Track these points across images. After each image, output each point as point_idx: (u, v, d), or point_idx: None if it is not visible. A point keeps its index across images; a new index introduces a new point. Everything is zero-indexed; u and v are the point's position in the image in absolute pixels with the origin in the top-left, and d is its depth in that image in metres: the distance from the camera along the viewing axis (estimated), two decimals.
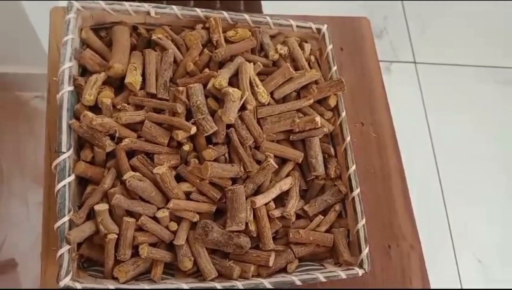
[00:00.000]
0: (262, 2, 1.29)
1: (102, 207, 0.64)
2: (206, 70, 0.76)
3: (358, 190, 0.74)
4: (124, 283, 0.64)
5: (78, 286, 0.60)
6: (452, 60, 2.03)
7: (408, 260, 0.85)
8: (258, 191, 0.73)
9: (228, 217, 0.67)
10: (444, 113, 1.91)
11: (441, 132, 1.87)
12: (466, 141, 1.88)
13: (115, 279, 0.65)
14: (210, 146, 0.70)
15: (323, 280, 0.68)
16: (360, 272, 0.69)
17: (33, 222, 1.38)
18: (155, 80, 0.73)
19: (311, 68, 0.83)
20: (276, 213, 0.71)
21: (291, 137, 0.77)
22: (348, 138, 0.77)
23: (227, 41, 0.80)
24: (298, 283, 0.67)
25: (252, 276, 0.68)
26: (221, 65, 0.78)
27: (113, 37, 0.76)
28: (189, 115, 0.71)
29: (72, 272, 0.62)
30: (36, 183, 1.45)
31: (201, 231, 0.66)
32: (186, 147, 0.70)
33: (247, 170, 0.71)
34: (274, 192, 0.72)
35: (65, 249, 0.61)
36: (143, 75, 0.73)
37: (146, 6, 0.78)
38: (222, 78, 0.72)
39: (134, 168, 0.68)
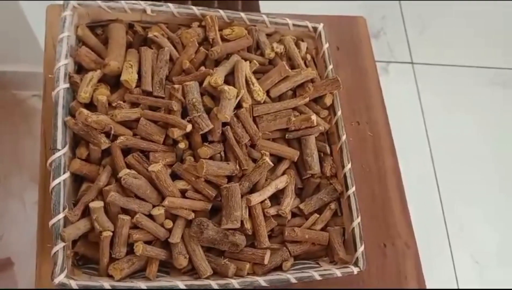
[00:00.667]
0: (260, 2, 1.29)
1: (97, 204, 0.64)
2: (202, 68, 0.76)
3: (354, 188, 0.74)
4: (119, 280, 0.64)
5: (73, 283, 0.60)
6: (449, 60, 2.04)
7: (403, 259, 0.85)
8: (253, 189, 0.73)
9: (223, 215, 0.67)
10: (441, 113, 1.91)
11: (438, 133, 1.88)
12: (463, 141, 1.88)
13: (110, 276, 0.65)
14: (206, 144, 0.70)
15: (318, 278, 0.68)
16: (355, 270, 0.69)
17: (30, 221, 1.38)
18: (151, 77, 0.73)
19: (307, 66, 0.83)
20: (272, 211, 0.72)
21: (287, 135, 0.77)
22: (344, 137, 0.77)
23: (223, 39, 0.80)
24: (293, 281, 0.67)
25: (247, 274, 0.68)
26: (217, 63, 0.78)
27: (109, 35, 0.76)
28: (184, 113, 0.71)
29: (67, 269, 0.61)
30: (33, 182, 1.45)
31: (196, 229, 0.66)
32: (182, 145, 0.70)
33: (242, 168, 0.71)
34: (269, 190, 0.72)
35: (59, 246, 0.61)
36: (139, 72, 0.73)
37: (142, 4, 0.78)
38: (218, 76, 0.72)
39: (129, 166, 0.68)
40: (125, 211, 0.67)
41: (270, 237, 0.72)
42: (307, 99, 0.79)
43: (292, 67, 0.82)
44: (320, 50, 0.85)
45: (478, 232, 1.74)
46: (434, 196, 1.78)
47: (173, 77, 0.75)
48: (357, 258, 0.70)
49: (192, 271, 0.68)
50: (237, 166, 0.71)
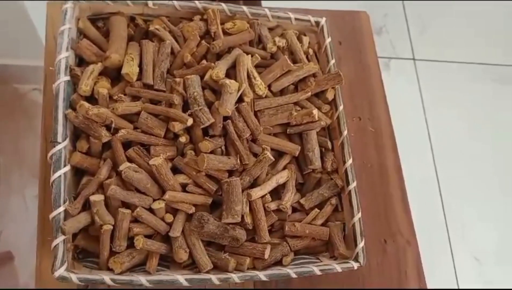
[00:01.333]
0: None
1: (98, 198, 0.64)
2: (204, 61, 0.75)
3: (355, 184, 0.74)
4: (119, 274, 0.64)
5: (73, 276, 0.60)
6: (451, 57, 2.03)
7: (404, 255, 0.85)
8: (254, 184, 0.72)
9: (224, 209, 0.67)
10: (443, 110, 1.90)
11: (439, 129, 1.87)
12: (464, 138, 1.88)
13: (110, 270, 0.65)
14: (207, 138, 0.70)
15: (318, 273, 0.67)
16: (356, 265, 0.69)
17: (30, 216, 1.38)
18: (152, 71, 0.73)
19: (309, 61, 0.83)
20: (272, 206, 0.71)
21: (288, 130, 0.77)
22: (345, 132, 0.77)
23: (225, 33, 0.80)
24: (294, 276, 0.67)
25: (248, 268, 0.68)
26: (218, 56, 0.78)
27: (110, 28, 0.76)
28: (186, 107, 0.71)
29: (67, 262, 0.61)
30: (34, 177, 1.44)
31: (196, 223, 0.66)
32: (183, 139, 0.70)
33: (243, 163, 0.71)
34: (270, 185, 0.72)
35: (60, 239, 0.61)
36: (140, 66, 0.72)
37: None
38: (219, 70, 0.71)
39: (130, 159, 0.67)
40: (125, 204, 0.67)
41: (270, 231, 0.72)
42: (309, 94, 0.78)
43: (294, 61, 0.81)
44: (322, 45, 0.85)
45: (479, 229, 1.74)
46: (435, 193, 1.77)
47: (174, 70, 0.75)
48: (357, 253, 0.70)
49: (192, 265, 0.68)
50: (238, 161, 0.71)
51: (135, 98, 0.71)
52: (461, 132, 1.88)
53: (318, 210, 0.75)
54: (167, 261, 0.69)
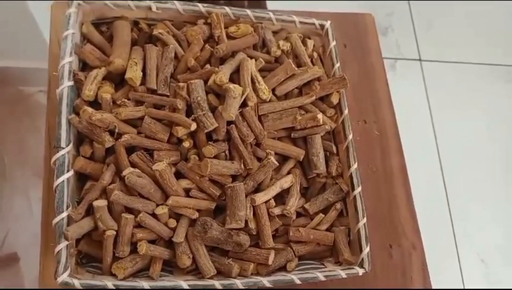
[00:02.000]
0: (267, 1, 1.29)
1: (101, 203, 0.63)
2: (207, 66, 0.75)
3: (360, 188, 0.73)
4: (122, 279, 0.64)
5: (76, 282, 0.60)
6: (457, 58, 2.01)
7: (409, 260, 0.84)
8: (258, 189, 0.72)
9: (227, 214, 0.67)
10: (449, 111, 1.89)
11: (446, 130, 1.86)
12: (471, 139, 1.86)
13: (114, 275, 0.64)
14: (210, 142, 0.70)
15: (323, 279, 0.67)
16: (361, 271, 0.69)
17: (35, 216, 1.39)
18: (155, 75, 0.72)
19: (313, 64, 0.82)
20: (276, 211, 0.71)
21: (292, 134, 0.76)
22: (350, 136, 0.76)
23: (229, 36, 0.79)
24: (298, 282, 0.66)
25: (251, 274, 0.68)
26: (222, 61, 0.77)
27: (114, 32, 0.75)
28: (189, 111, 0.70)
29: (70, 268, 0.61)
30: (39, 178, 1.45)
31: (200, 228, 0.66)
32: (186, 144, 0.70)
33: (247, 167, 0.71)
34: (274, 190, 0.72)
35: (63, 245, 0.61)
36: (144, 70, 0.72)
37: (147, 1, 0.77)
38: (223, 74, 0.71)
39: (133, 164, 0.67)
40: (128, 210, 0.66)
41: (274, 237, 0.72)
42: (314, 98, 0.78)
43: (299, 65, 0.81)
44: (327, 48, 0.84)
45: (485, 232, 1.73)
46: (441, 197, 1.76)
47: (178, 75, 0.74)
48: (362, 259, 0.70)
49: (195, 270, 0.68)
50: (242, 165, 0.70)
51: (138, 102, 0.71)
52: (468, 134, 1.86)
53: (323, 215, 0.74)
54: (170, 267, 0.69)
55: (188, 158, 0.70)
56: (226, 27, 0.80)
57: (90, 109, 0.66)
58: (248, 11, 0.81)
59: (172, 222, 0.67)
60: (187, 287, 0.62)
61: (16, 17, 1.28)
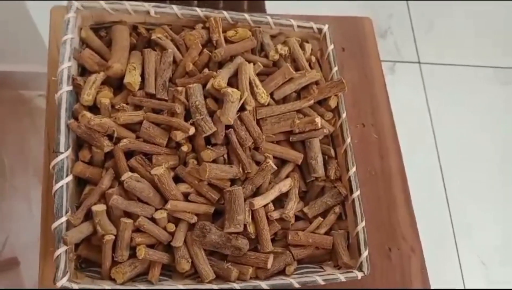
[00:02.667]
0: (265, 2, 1.29)
1: (100, 207, 0.64)
2: (206, 70, 0.75)
3: (358, 192, 0.73)
4: (121, 284, 0.64)
5: (75, 287, 0.60)
6: (456, 60, 2.02)
7: (408, 263, 0.84)
8: (257, 193, 0.72)
9: (226, 218, 0.67)
10: (448, 113, 1.89)
11: (445, 133, 1.86)
12: (470, 142, 1.86)
13: (113, 280, 0.64)
14: (209, 147, 0.70)
15: (322, 283, 0.67)
16: (360, 275, 0.69)
17: (36, 219, 1.38)
18: (154, 80, 0.73)
19: (311, 68, 0.83)
20: (275, 215, 0.71)
21: (291, 138, 0.76)
22: (349, 140, 0.77)
23: (227, 41, 0.80)
24: (297, 285, 0.66)
25: (250, 278, 0.68)
26: (220, 65, 0.78)
27: (112, 37, 0.76)
28: (188, 116, 0.71)
29: (70, 273, 0.61)
30: (39, 181, 1.45)
31: (199, 232, 0.66)
32: (185, 148, 0.70)
33: (246, 171, 0.71)
34: (273, 194, 0.72)
35: (62, 249, 0.61)
36: (142, 75, 0.72)
37: (146, 6, 0.77)
38: (221, 79, 0.71)
39: (132, 169, 0.67)
40: (127, 214, 0.67)
41: (273, 241, 0.72)
42: (312, 102, 0.78)
43: (297, 69, 0.81)
44: (325, 52, 0.84)
45: (485, 233, 1.72)
46: (440, 198, 1.76)
47: (177, 79, 0.75)
48: (361, 262, 0.70)
49: (194, 275, 0.68)
50: (241, 169, 0.70)
51: (137, 107, 0.71)
52: (467, 136, 1.87)
53: (322, 219, 0.74)
54: (169, 271, 0.69)
55: (186, 162, 0.70)
56: (224, 32, 0.80)
57: (89, 114, 0.66)
58: (246, 15, 0.81)
59: (171, 227, 0.67)
60: None
61: (16, 21, 1.29)
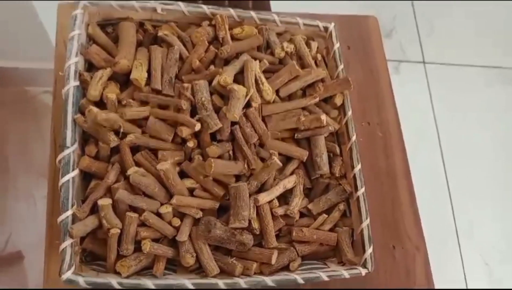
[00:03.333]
0: (271, 1, 1.29)
1: (106, 201, 0.64)
2: (212, 67, 0.76)
3: (363, 189, 0.74)
4: (126, 277, 0.64)
5: (80, 279, 0.60)
6: (461, 60, 2.01)
7: (413, 261, 0.84)
8: (261, 189, 0.72)
9: (231, 214, 0.67)
10: (453, 112, 1.89)
11: (449, 133, 1.86)
12: (474, 141, 1.86)
13: (117, 273, 0.65)
14: (214, 143, 0.70)
15: (326, 279, 0.67)
16: (363, 271, 0.69)
17: (39, 216, 1.39)
18: (160, 76, 0.73)
19: (317, 66, 0.83)
20: (280, 211, 0.71)
21: (296, 135, 0.76)
22: (354, 137, 0.77)
23: (233, 38, 0.80)
24: (301, 281, 0.66)
25: (255, 273, 0.68)
26: (226, 62, 0.78)
27: (119, 33, 0.76)
28: (193, 112, 0.71)
29: (75, 265, 0.62)
30: (42, 178, 1.46)
31: (204, 227, 0.66)
32: (190, 144, 0.70)
33: (251, 168, 0.71)
34: (278, 190, 0.72)
35: (68, 243, 0.61)
36: (149, 71, 0.73)
37: (152, 3, 0.78)
38: (227, 75, 0.71)
39: (138, 164, 0.68)
40: (133, 208, 0.67)
41: (277, 237, 0.72)
42: (317, 99, 0.78)
43: (302, 66, 0.81)
44: (331, 50, 0.84)
45: (489, 233, 1.72)
46: (444, 197, 1.76)
47: (183, 76, 0.75)
48: (365, 259, 0.70)
49: (199, 269, 0.68)
50: (246, 166, 0.71)
51: (143, 103, 0.71)
52: (471, 136, 1.86)
53: (326, 216, 0.75)
54: (174, 265, 0.69)
55: (192, 158, 0.71)
56: (230, 29, 0.80)
57: (95, 109, 0.67)
58: (253, 13, 0.81)
59: (176, 221, 0.68)
60: (191, 286, 0.63)
61: (21, 18, 1.29)
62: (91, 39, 0.77)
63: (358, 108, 0.93)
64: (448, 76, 1.97)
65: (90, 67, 0.75)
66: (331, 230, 0.75)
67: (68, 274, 0.60)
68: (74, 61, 0.70)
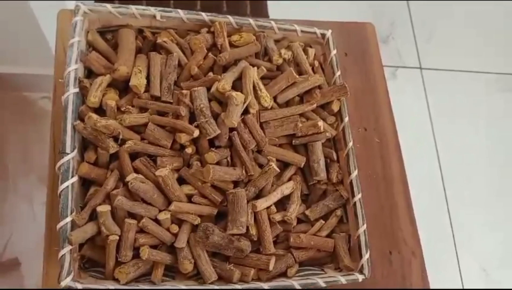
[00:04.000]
0: (268, 4, 1.30)
1: (104, 208, 0.64)
2: (210, 73, 0.76)
3: (360, 195, 0.74)
4: (124, 284, 0.64)
5: (79, 286, 0.60)
6: (458, 66, 2.03)
7: (409, 267, 0.85)
8: (259, 195, 0.73)
9: (229, 220, 0.68)
10: (449, 119, 1.90)
11: (446, 139, 1.87)
12: (471, 148, 1.87)
13: (116, 280, 0.65)
14: (213, 149, 0.71)
15: (323, 285, 0.68)
16: (360, 277, 0.69)
17: (38, 222, 1.39)
18: (159, 83, 0.73)
19: (314, 73, 0.84)
20: (277, 217, 0.72)
21: (293, 141, 0.77)
22: (351, 143, 0.77)
23: (232, 45, 0.81)
24: (298, 287, 0.67)
25: (252, 279, 0.69)
26: (225, 69, 0.78)
27: (118, 40, 0.77)
28: (192, 118, 0.71)
29: (73, 272, 0.62)
30: (42, 183, 1.46)
31: (202, 234, 0.66)
32: (189, 150, 0.71)
33: (249, 174, 0.72)
34: (275, 196, 0.72)
35: (66, 249, 0.61)
36: (148, 77, 0.73)
37: (152, 10, 0.78)
38: (225, 82, 0.72)
39: (137, 170, 0.68)
40: (131, 215, 0.67)
41: (275, 243, 0.73)
42: (314, 105, 0.79)
43: (300, 73, 0.82)
44: (328, 57, 0.85)
45: (486, 239, 1.73)
46: (441, 203, 1.77)
47: (182, 82, 0.76)
48: (362, 265, 0.70)
49: (197, 275, 0.69)
50: (244, 172, 0.71)
51: (142, 109, 0.72)
52: (468, 142, 1.87)
53: (323, 222, 0.75)
54: (172, 272, 0.70)
55: (190, 164, 0.71)
56: (228, 36, 0.81)
57: (95, 116, 0.67)
58: (251, 20, 0.82)
59: (174, 228, 0.68)
60: None
61: (21, 24, 1.30)
62: (90, 46, 0.77)
63: (355, 114, 0.94)
64: (445, 82, 1.98)
65: (90, 73, 0.76)
66: (328, 236, 0.75)
67: (67, 281, 0.60)
68: (74, 68, 0.71)
